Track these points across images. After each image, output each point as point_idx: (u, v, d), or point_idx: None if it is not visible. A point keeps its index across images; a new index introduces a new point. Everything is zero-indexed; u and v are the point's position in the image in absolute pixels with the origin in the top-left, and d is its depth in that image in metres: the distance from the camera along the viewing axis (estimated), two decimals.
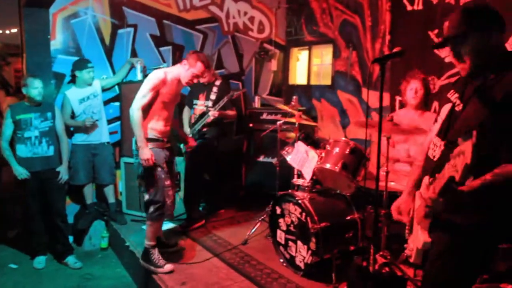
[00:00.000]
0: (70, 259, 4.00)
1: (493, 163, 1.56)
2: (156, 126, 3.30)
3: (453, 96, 1.86)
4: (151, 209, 3.28)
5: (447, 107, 1.86)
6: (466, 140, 1.36)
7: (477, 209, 1.64)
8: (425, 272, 1.90)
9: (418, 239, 1.83)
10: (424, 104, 3.56)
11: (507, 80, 1.61)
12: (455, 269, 1.73)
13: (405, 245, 2.02)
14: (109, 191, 4.56)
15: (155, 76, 3.25)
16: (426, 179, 1.78)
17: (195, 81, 3.43)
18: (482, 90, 1.68)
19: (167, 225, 4.29)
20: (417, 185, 1.97)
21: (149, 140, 3.25)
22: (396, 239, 3.34)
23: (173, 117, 3.52)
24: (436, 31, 4.01)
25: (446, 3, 3.92)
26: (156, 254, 3.34)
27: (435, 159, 1.82)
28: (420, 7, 4.16)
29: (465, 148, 1.35)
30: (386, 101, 4.60)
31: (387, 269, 2.68)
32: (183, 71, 3.34)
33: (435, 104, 4.04)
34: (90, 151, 4.36)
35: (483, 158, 1.49)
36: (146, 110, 3.25)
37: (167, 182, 3.32)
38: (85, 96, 4.30)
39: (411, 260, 1.91)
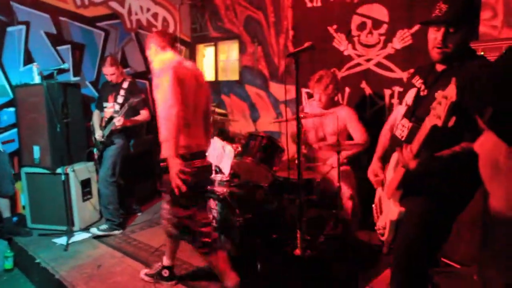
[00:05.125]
0: None
1: (455, 141, 1.81)
2: None
3: (417, 81, 2.08)
4: None
5: (412, 92, 2.07)
6: (446, 88, 1.52)
7: (445, 176, 1.88)
8: (398, 234, 2.05)
9: (391, 212, 2.01)
10: (331, 103, 3.80)
11: (470, 66, 1.85)
12: (426, 227, 1.93)
13: (375, 227, 2.24)
14: (3, 205, 4.14)
15: None
16: (395, 156, 1.99)
17: None
18: (448, 74, 1.89)
19: (81, 235, 4.05)
20: (385, 152, 2.23)
21: None
22: (314, 223, 3.57)
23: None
24: (335, 26, 4.31)
25: (341, 0, 4.23)
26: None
27: (403, 139, 2.03)
28: (319, 4, 4.43)
29: (449, 91, 1.50)
30: (293, 94, 4.84)
31: (309, 251, 2.84)
32: None
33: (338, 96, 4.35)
34: None
35: (447, 135, 1.72)
36: None
37: None
38: None
39: (384, 237, 2.10)
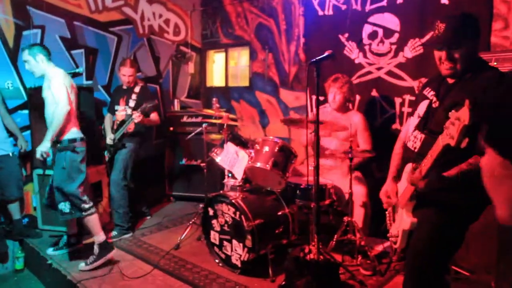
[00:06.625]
0: None
1: (464, 158, 1.82)
2: None
3: (429, 93, 2.09)
4: None
5: (425, 104, 2.08)
6: (459, 109, 1.52)
7: (457, 190, 1.90)
8: (411, 243, 2.07)
9: (403, 222, 2.03)
10: (344, 106, 3.84)
11: (481, 79, 1.86)
12: (438, 237, 1.95)
13: (388, 235, 2.26)
14: (14, 207, 4.17)
15: None
16: (409, 166, 2.00)
17: None
18: (460, 86, 1.91)
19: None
20: (399, 171, 2.22)
21: None
22: (324, 229, 3.60)
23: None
24: (346, 34, 4.35)
25: (353, 9, 4.28)
26: None
27: (416, 150, 2.05)
28: (331, 12, 4.48)
29: (462, 113, 1.50)
30: (303, 101, 4.89)
31: (321, 257, 2.86)
32: None
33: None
34: None
35: (458, 153, 1.68)
36: None
37: None
38: None
39: (397, 245, 2.11)
